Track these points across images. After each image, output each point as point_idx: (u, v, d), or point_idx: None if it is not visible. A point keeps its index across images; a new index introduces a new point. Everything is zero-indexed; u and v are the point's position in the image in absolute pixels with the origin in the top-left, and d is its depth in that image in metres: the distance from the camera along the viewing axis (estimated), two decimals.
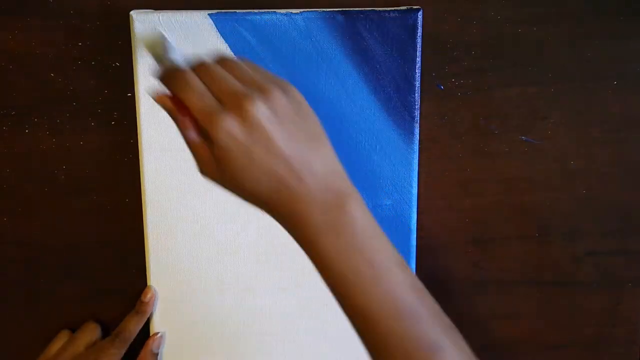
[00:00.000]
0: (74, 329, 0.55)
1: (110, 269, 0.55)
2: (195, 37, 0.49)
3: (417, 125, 0.51)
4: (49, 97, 0.52)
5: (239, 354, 0.54)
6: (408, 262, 0.52)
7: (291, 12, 0.49)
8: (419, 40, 0.49)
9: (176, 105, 0.38)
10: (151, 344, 0.53)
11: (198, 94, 0.36)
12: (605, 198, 0.55)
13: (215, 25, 0.49)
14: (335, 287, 0.38)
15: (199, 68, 0.38)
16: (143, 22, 0.48)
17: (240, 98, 0.36)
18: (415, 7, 0.49)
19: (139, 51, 0.49)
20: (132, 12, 0.48)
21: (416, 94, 0.50)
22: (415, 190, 0.52)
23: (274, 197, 0.37)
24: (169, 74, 0.38)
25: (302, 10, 0.49)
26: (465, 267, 0.56)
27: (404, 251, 0.52)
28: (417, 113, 0.51)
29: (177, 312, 0.53)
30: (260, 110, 0.36)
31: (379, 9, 0.49)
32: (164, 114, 0.50)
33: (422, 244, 0.54)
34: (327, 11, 0.49)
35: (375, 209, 0.52)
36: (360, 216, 0.37)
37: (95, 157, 0.53)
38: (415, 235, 0.52)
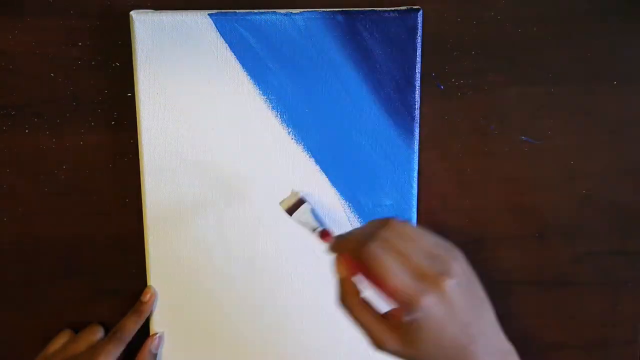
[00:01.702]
0: (76, 329, 0.55)
1: (110, 269, 0.55)
2: (195, 37, 0.49)
3: (417, 125, 0.51)
4: (49, 97, 0.52)
5: (238, 354, 0.54)
6: None
7: (291, 12, 0.49)
8: (419, 40, 0.49)
9: (355, 272, 0.40)
10: (150, 344, 0.53)
11: (398, 276, 0.37)
12: (605, 198, 0.55)
13: (215, 25, 0.49)
14: None
15: (382, 243, 0.39)
16: (143, 22, 0.48)
17: (436, 275, 0.37)
18: (415, 7, 0.49)
19: (139, 51, 0.49)
20: (132, 12, 0.48)
21: (416, 94, 0.50)
22: (415, 191, 0.52)
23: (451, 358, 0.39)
24: (354, 249, 0.39)
25: (302, 10, 0.49)
26: None
27: None
28: (417, 113, 0.51)
29: (176, 313, 0.53)
30: (454, 288, 0.38)
31: (379, 9, 0.49)
32: (164, 114, 0.50)
33: None
34: (327, 11, 0.49)
35: (375, 209, 0.52)
36: None
37: (95, 157, 0.53)
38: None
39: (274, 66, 0.50)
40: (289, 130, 0.51)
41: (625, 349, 0.57)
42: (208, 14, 0.49)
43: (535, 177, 0.54)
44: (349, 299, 0.40)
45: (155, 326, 0.54)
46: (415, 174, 0.52)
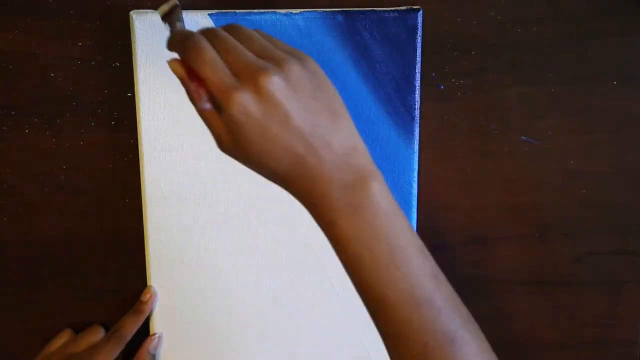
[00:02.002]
0: (76, 329, 0.55)
1: (110, 269, 0.55)
2: None
3: (417, 125, 0.51)
4: (49, 97, 0.52)
5: (239, 354, 0.54)
6: None
7: (291, 12, 0.49)
8: (419, 40, 0.49)
9: (188, 72, 0.37)
10: (148, 345, 0.53)
11: (212, 64, 0.35)
12: (605, 198, 0.55)
13: (215, 26, 0.49)
14: (352, 268, 0.37)
15: (212, 36, 0.36)
16: (143, 22, 0.48)
17: (255, 71, 0.34)
18: (415, 7, 0.49)
19: (139, 51, 0.49)
20: (132, 12, 0.49)
21: (416, 94, 0.50)
22: (415, 191, 0.52)
23: (292, 174, 0.36)
24: (182, 41, 0.36)
25: (302, 10, 0.49)
26: (465, 267, 0.56)
27: None
28: (417, 113, 0.51)
29: (176, 313, 0.53)
30: (275, 84, 0.34)
31: (379, 9, 0.49)
32: (164, 114, 0.50)
33: None
34: (327, 11, 0.49)
35: None
36: (381, 197, 0.36)
37: (95, 157, 0.53)
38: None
39: None
40: None
41: (625, 349, 0.57)
42: (208, 14, 0.49)
43: (535, 177, 0.54)
44: (194, 98, 0.37)
45: (155, 326, 0.54)
46: (415, 174, 0.52)
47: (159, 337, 0.53)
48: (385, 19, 0.49)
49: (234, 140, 0.36)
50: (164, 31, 0.48)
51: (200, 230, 0.52)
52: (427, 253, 0.37)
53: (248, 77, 0.35)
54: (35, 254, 0.54)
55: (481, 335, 0.37)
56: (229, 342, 0.54)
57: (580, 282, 0.56)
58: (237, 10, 0.49)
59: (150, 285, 0.53)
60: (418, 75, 0.50)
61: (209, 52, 0.35)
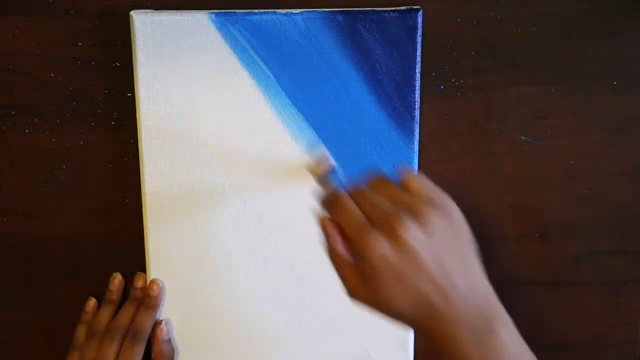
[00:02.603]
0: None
1: (110, 268, 0.55)
2: (195, 37, 0.49)
3: (417, 125, 0.51)
4: (49, 97, 0.52)
5: (241, 354, 0.54)
6: None
7: (291, 12, 0.49)
8: (419, 40, 0.49)
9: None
10: (160, 335, 0.53)
11: (351, 213, 0.37)
12: (605, 198, 0.55)
13: (215, 25, 0.49)
14: None
15: (355, 193, 0.39)
16: (143, 22, 0.48)
17: (390, 219, 0.36)
18: (415, 7, 0.49)
19: (139, 51, 0.49)
20: (132, 13, 0.48)
21: (416, 94, 0.50)
22: None
23: (420, 316, 0.37)
24: (329, 199, 0.39)
25: (302, 10, 0.49)
26: None
27: None
28: (417, 113, 0.51)
29: (177, 312, 0.53)
30: (411, 233, 0.36)
31: (379, 9, 0.49)
32: (164, 114, 0.50)
33: None
34: (327, 11, 0.49)
35: None
36: (511, 342, 0.37)
37: (95, 157, 0.53)
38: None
39: (274, 66, 0.50)
40: (289, 130, 0.51)
41: (625, 349, 0.57)
42: (208, 14, 0.49)
43: (535, 177, 0.54)
44: (331, 242, 0.38)
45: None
46: None
47: (167, 322, 0.53)
48: (385, 19, 0.49)
49: (364, 284, 0.37)
50: (165, 31, 0.49)
51: (201, 230, 0.52)
52: None
53: (383, 223, 0.36)
54: (36, 254, 0.54)
55: None
56: (230, 342, 0.54)
57: (580, 282, 0.56)
58: (237, 10, 0.49)
59: (155, 279, 0.53)
60: (418, 75, 0.50)
61: (349, 204, 0.38)
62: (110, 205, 0.54)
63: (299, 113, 0.50)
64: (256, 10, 0.49)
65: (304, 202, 0.51)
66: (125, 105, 0.52)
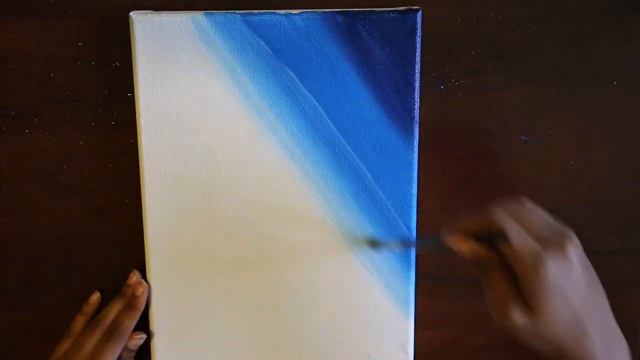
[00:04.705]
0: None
1: (110, 268, 0.55)
2: (195, 37, 0.49)
3: (417, 125, 0.51)
4: (49, 97, 0.52)
5: (239, 352, 0.54)
6: (408, 262, 0.52)
7: (290, 13, 0.49)
8: (419, 40, 0.49)
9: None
10: (129, 342, 0.53)
11: (521, 234, 0.38)
12: (605, 198, 0.55)
13: (215, 26, 0.49)
14: None
15: (504, 207, 0.41)
16: (143, 23, 0.48)
17: (560, 241, 0.38)
18: (414, 7, 0.49)
19: (139, 51, 0.49)
20: (131, 13, 0.48)
21: (416, 94, 0.50)
22: (415, 191, 0.52)
23: (568, 341, 0.38)
24: (477, 216, 0.41)
25: (301, 10, 0.49)
26: (465, 266, 0.56)
27: (404, 251, 0.52)
28: (417, 113, 0.51)
29: (177, 312, 0.53)
30: (577, 250, 0.38)
31: (379, 9, 0.49)
32: (163, 114, 0.50)
33: None
34: (326, 11, 0.49)
35: (375, 208, 0.52)
36: None
37: (95, 157, 0.53)
38: (415, 235, 0.52)
39: (274, 66, 0.50)
40: (289, 130, 0.51)
41: None
42: (208, 14, 0.49)
43: (535, 177, 0.54)
44: (489, 265, 0.40)
45: (155, 325, 0.54)
46: (415, 174, 0.52)
47: (142, 338, 0.53)
48: (385, 19, 0.48)
49: (529, 307, 0.38)
50: (165, 31, 0.49)
51: (201, 230, 0.52)
52: None
53: (555, 244, 0.38)
54: (35, 254, 0.55)
55: None
56: (230, 341, 0.54)
57: None
58: (237, 11, 0.49)
59: (141, 280, 0.53)
60: (418, 76, 0.50)
61: (515, 224, 0.39)
62: (110, 205, 0.54)
63: (298, 113, 0.50)
64: (255, 11, 0.49)
65: (305, 202, 0.51)
66: (125, 105, 0.52)
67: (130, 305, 0.52)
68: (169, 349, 0.54)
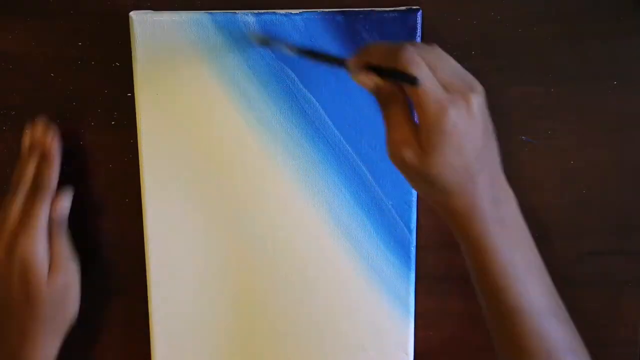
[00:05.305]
0: (77, 329, 0.55)
1: (110, 269, 0.55)
2: (195, 37, 0.49)
3: None
4: (49, 97, 0.52)
5: (242, 353, 0.54)
6: (408, 262, 0.52)
7: (290, 13, 0.49)
8: (419, 40, 0.49)
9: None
10: (53, 214, 0.49)
11: (428, 77, 0.37)
12: (605, 198, 0.55)
13: (215, 26, 0.49)
14: (498, 278, 0.40)
15: (420, 51, 0.39)
16: (143, 23, 0.48)
17: (467, 89, 0.38)
18: (414, 7, 0.49)
19: (139, 51, 0.49)
20: (131, 13, 0.49)
21: None
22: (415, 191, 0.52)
23: (458, 190, 0.39)
24: (394, 51, 0.39)
25: (301, 10, 0.49)
26: (465, 267, 0.56)
27: (404, 251, 0.52)
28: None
29: (178, 312, 0.53)
30: (481, 103, 0.38)
31: (379, 9, 0.49)
32: (163, 114, 0.50)
33: (422, 244, 0.54)
34: (326, 12, 0.49)
35: (375, 208, 0.52)
36: (520, 214, 0.41)
37: (95, 157, 0.53)
38: (415, 235, 0.52)
39: (274, 66, 0.50)
40: (289, 130, 0.51)
41: (626, 349, 0.57)
42: (208, 14, 0.49)
43: (535, 177, 0.54)
44: (393, 100, 0.39)
45: (156, 325, 0.54)
46: None
47: (67, 196, 0.50)
48: (385, 19, 0.49)
49: (422, 150, 0.38)
50: (164, 31, 0.49)
51: (201, 229, 0.52)
52: None
53: (460, 93, 0.38)
54: None
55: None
56: (232, 341, 0.54)
57: (580, 282, 0.56)
58: (237, 11, 0.49)
59: (46, 125, 0.49)
60: None
61: (425, 69, 0.38)
62: (110, 205, 0.54)
63: (298, 113, 0.50)
64: (255, 11, 0.49)
65: (304, 203, 0.52)
66: (125, 105, 0.52)
67: (44, 155, 0.49)
68: (171, 348, 0.54)
